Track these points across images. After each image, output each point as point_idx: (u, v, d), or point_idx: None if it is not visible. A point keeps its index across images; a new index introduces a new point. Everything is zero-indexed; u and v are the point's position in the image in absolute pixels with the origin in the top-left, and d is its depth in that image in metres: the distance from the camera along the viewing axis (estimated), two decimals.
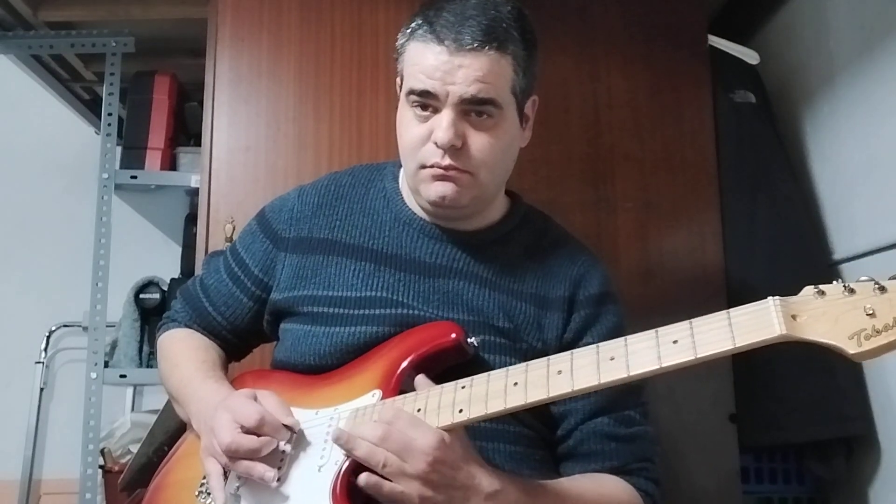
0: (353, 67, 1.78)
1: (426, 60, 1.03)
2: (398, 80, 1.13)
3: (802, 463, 1.77)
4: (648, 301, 1.69)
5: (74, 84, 2.52)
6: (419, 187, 1.09)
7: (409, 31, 1.08)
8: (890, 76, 1.58)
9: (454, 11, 1.04)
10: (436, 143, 1.04)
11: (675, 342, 0.83)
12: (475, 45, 1.02)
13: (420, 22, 1.06)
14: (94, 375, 2.01)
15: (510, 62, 1.06)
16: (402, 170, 1.21)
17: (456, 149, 1.04)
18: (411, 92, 1.05)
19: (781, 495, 1.80)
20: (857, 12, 1.70)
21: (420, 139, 1.06)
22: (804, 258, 1.75)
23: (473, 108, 1.04)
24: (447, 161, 1.04)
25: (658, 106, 1.80)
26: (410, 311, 1.08)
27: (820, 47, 1.82)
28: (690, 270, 1.74)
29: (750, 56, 1.90)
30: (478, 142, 1.05)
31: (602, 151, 1.78)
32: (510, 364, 1.05)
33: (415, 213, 1.15)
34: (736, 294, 1.72)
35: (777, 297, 0.79)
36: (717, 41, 1.86)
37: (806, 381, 1.59)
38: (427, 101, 1.05)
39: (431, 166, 1.05)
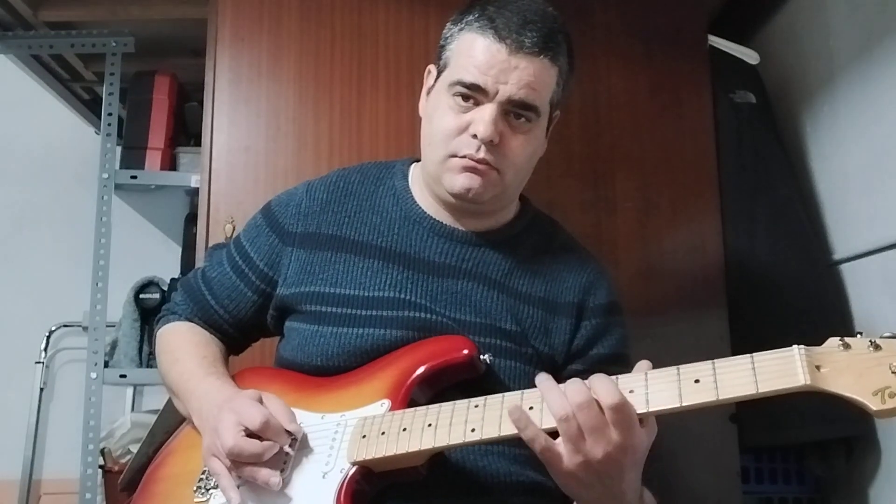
0: (353, 67, 1.78)
1: (482, 55, 1.04)
2: (435, 66, 1.13)
3: (802, 463, 1.77)
4: (648, 301, 1.69)
5: (74, 84, 2.52)
6: (443, 176, 1.09)
7: (462, 21, 1.09)
8: (890, 76, 1.58)
9: (516, 12, 1.05)
10: (475, 136, 1.04)
11: (696, 381, 0.82)
12: (534, 49, 1.04)
13: (478, 15, 1.07)
14: (94, 375, 2.00)
15: (556, 73, 1.08)
16: (411, 168, 1.21)
17: (493, 145, 1.05)
18: (459, 83, 1.05)
19: (781, 495, 1.80)
20: (857, 12, 1.70)
21: (456, 129, 1.06)
22: (804, 258, 1.75)
23: (515, 110, 1.06)
24: (481, 154, 1.05)
25: (658, 106, 1.80)
26: (419, 314, 1.07)
27: (820, 47, 1.82)
28: (690, 270, 1.74)
29: (750, 56, 1.90)
30: (512, 143, 1.07)
31: (602, 151, 1.78)
32: (517, 368, 1.06)
33: (425, 212, 1.15)
34: (735, 294, 1.72)
35: (802, 347, 0.79)
36: (717, 41, 1.86)
37: None
38: (472, 94, 1.05)
39: (463, 157, 1.06)
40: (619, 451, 0.83)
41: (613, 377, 0.86)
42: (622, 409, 0.82)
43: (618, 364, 1.11)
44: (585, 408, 0.82)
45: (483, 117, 1.04)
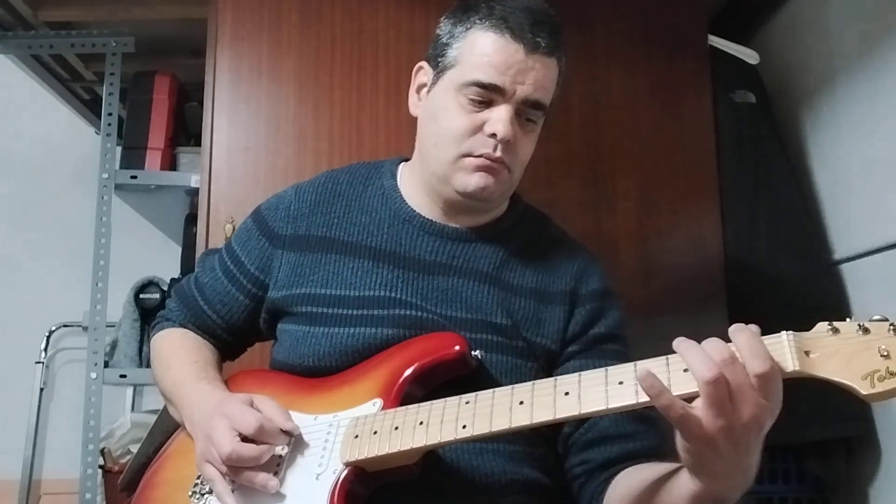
0: (353, 67, 1.78)
1: (498, 55, 1.04)
2: (430, 64, 1.12)
3: (802, 463, 1.77)
4: (648, 301, 1.69)
5: (74, 84, 2.52)
6: (454, 176, 1.08)
7: (468, 20, 1.08)
8: (890, 76, 1.58)
9: (523, 10, 1.05)
10: (493, 135, 1.04)
11: (685, 371, 0.79)
12: (548, 50, 1.05)
13: (486, 13, 1.06)
14: (94, 375, 2.00)
15: (558, 73, 1.09)
16: (400, 167, 1.21)
17: (508, 144, 1.05)
18: (476, 83, 1.05)
19: (781, 495, 1.80)
20: (857, 12, 1.70)
21: (470, 129, 1.06)
22: (804, 258, 1.75)
23: (526, 110, 1.06)
24: (498, 154, 1.05)
25: (658, 106, 1.80)
26: (410, 312, 1.07)
27: (820, 47, 1.82)
28: (690, 270, 1.74)
29: (750, 56, 1.90)
30: (521, 141, 1.08)
31: (602, 151, 1.78)
32: (508, 363, 1.06)
33: (414, 210, 1.15)
34: (736, 294, 1.72)
35: (791, 332, 0.78)
36: (717, 41, 1.86)
37: (805, 381, 1.58)
38: (488, 94, 1.05)
39: (479, 156, 1.06)
40: (766, 413, 0.76)
41: (600, 369, 0.85)
42: (772, 374, 0.75)
43: (615, 343, 1.12)
44: (730, 364, 0.75)
45: (501, 117, 1.04)
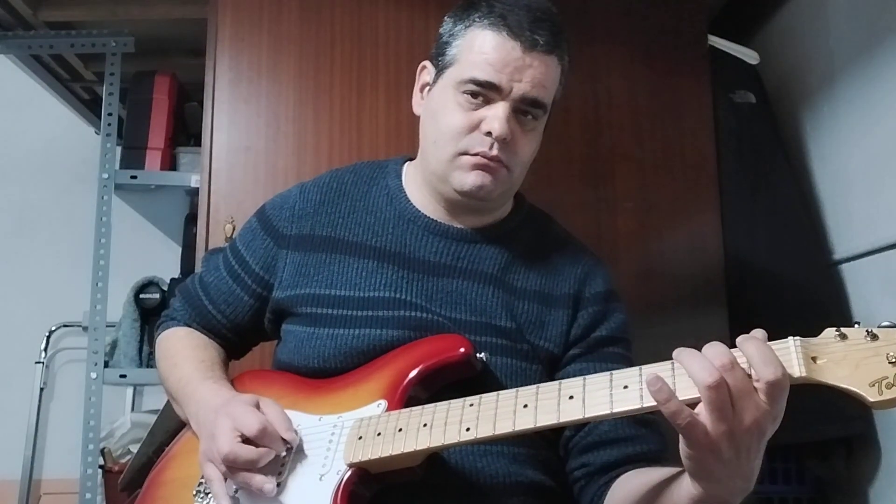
0: (353, 67, 1.78)
1: (495, 52, 1.04)
2: (432, 63, 1.13)
3: (802, 463, 1.77)
4: (648, 301, 1.69)
5: (74, 84, 2.53)
6: (452, 174, 1.08)
7: (468, 18, 1.08)
8: (890, 76, 1.58)
9: (524, 9, 1.05)
10: (489, 134, 1.04)
11: None
12: (547, 48, 1.05)
13: (486, 12, 1.06)
14: (94, 375, 2.01)
15: (560, 72, 1.09)
16: (405, 167, 1.20)
17: (505, 142, 1.05)
18: (472, 81, 1.05)
19: (781, 495, 1.80)
20: (857, 12, 1.70)
21: (467, 127, 1.06)
22: (804, 258, 1.75)
23: (526, 108, 1.06)
24: (494, 152, 1.05)
25: (658, 106, 1.80)
26: (415, 313, 1.07)
27: (820, 47, 1.82)
28: (690, 270, 1.74)
29: (750, 56, 1.90)
30: (521, 140, 1.08)
31: (602, 151, 1.78)
32: (513, 366, 1.05)
33: (419, 211, 1.14)
34: (736, 294, 1.72)
35: (798, 338, 0.77)
36: (717, 41, 1.86)
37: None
38: (485, 92, 1.05)
39: (476, 154, 1.06)
40: (768, 418, 0.76)
41: (605, 373, 0.84)
42: (783, 382, 0.74)
43: (618, 346, 1.12)
44: (730, 369, 0.74)
45: (497, 115, 1.04)
